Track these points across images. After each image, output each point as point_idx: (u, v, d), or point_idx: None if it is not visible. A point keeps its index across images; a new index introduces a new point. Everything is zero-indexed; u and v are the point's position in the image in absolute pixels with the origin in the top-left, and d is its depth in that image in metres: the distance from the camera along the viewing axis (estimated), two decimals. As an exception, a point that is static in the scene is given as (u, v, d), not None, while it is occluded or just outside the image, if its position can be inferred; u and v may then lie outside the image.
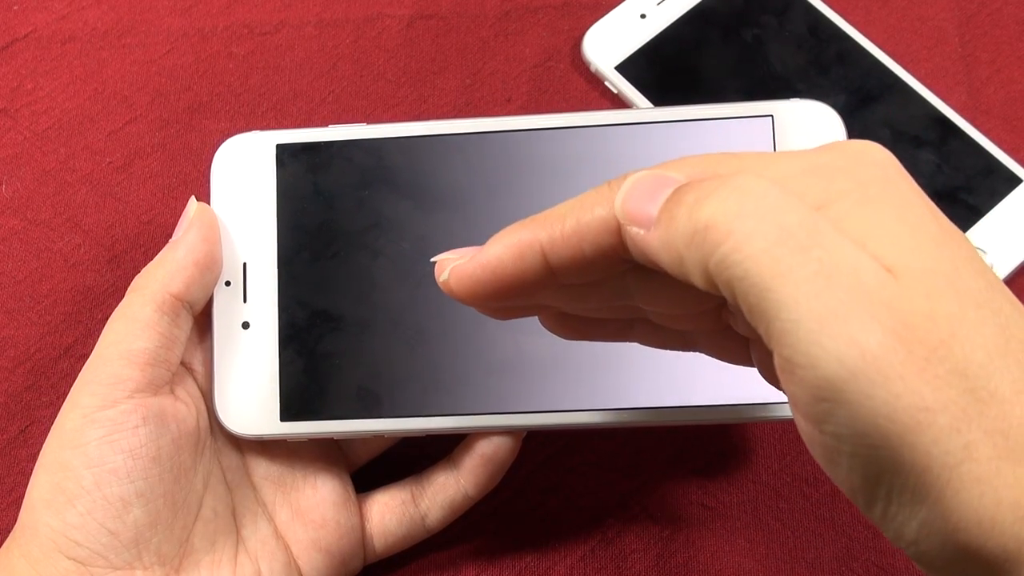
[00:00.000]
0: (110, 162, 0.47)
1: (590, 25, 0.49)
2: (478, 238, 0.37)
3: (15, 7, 0.50)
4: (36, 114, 0.48)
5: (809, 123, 0.37)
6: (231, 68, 0.49)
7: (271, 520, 0.39)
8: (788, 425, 0.43)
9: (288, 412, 0.38)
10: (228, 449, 0.39)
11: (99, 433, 0.34)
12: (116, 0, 0.50)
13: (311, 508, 0.39)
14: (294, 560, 0.38)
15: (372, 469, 0.41)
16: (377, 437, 0.39)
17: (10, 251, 0.46)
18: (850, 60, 0.48)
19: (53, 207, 0.46)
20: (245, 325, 0.38)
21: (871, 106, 0.47)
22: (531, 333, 0.37)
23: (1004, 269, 0.45)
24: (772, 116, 0.38)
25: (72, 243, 0.46)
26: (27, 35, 0.49)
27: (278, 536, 0.38)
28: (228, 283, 0.38)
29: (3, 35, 0.49)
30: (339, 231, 0.38)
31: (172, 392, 0.37)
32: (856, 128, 0.46)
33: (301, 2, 0.50)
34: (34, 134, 0.48)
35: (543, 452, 0.43)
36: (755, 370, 0.36)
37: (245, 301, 0.38)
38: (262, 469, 0.39)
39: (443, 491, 0.39)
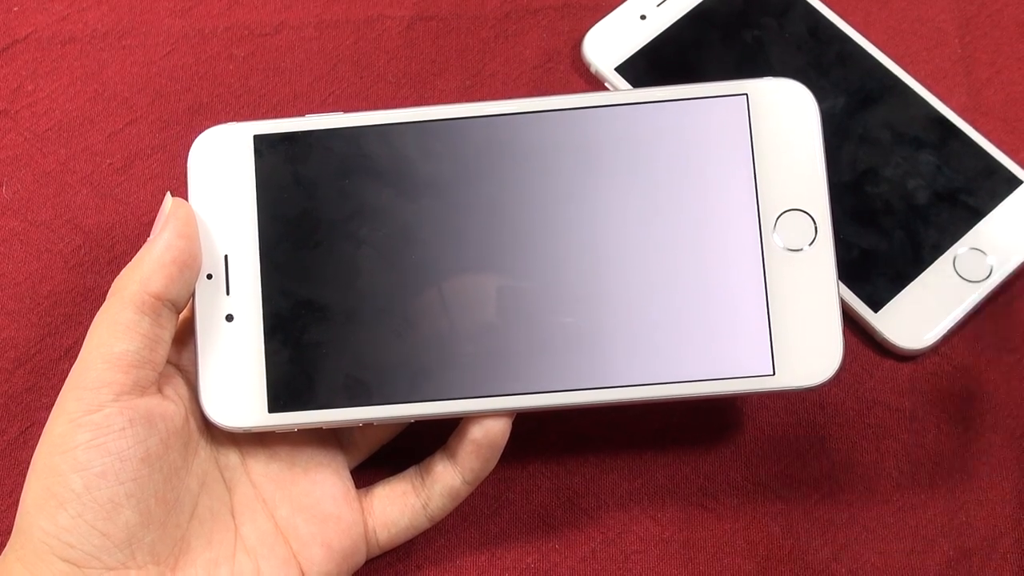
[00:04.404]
0: (110, 163, 0.47)
1: (590, 26, 0.49)
2: (460, 224, 0.38)
3: (15, 8, 0.50)
4: (36, 115, 0.48)
5: (783, 101, 0.38)
6: (231, 69, 0.49)
7: (271, 517, 0.39)
8: (789, 428, 0.44)
9: (276, 403, 0.38)
10: (225, 448, 0.39)
11: (86, 437, 0.35)
12: (116, 1, 0.50)
13: (311, 505, 0.39)
14: (294, 556, 0.38)
15: (371, 464, 0.42)
16: (368, 425, 0.39)
17: (10, 252, 0.46)
18: (850, 61, 0.48)
19: (53, 208, 0.46)
20: (229, 318, 0.38)
21: (871, 107, 0.47)
22: (516, 316, 0.38)
23: (1004, 271, 0.45)
24: (747, 95, 0.38)
25: (72, 244, 0.46)
26: (27, 36, 0.49)
27: (278, 533, 0.38)
28: (210, 276, 0.38)
29: (3, 36, 0.49)
30: (320, 220, 0.38)
31: (160, 392, 0.37)
32: (857, 130, 0.47)
33: (301, 4, 0.50)
34: (34, 135, 0.48)
35: (545, 454, 0.43)
36: (736, 341, 0.37)
37: (228, 294, 0.38)
38: (261, 467, 0.39)
39: (441, 480, 0.39)
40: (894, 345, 0.44)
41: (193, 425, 0.38)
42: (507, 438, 0.38)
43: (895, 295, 0.44)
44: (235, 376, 0.38)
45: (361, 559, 0.40)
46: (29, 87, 0.48)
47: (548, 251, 0.38)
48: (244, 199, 0.39)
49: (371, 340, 0.38)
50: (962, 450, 0.43)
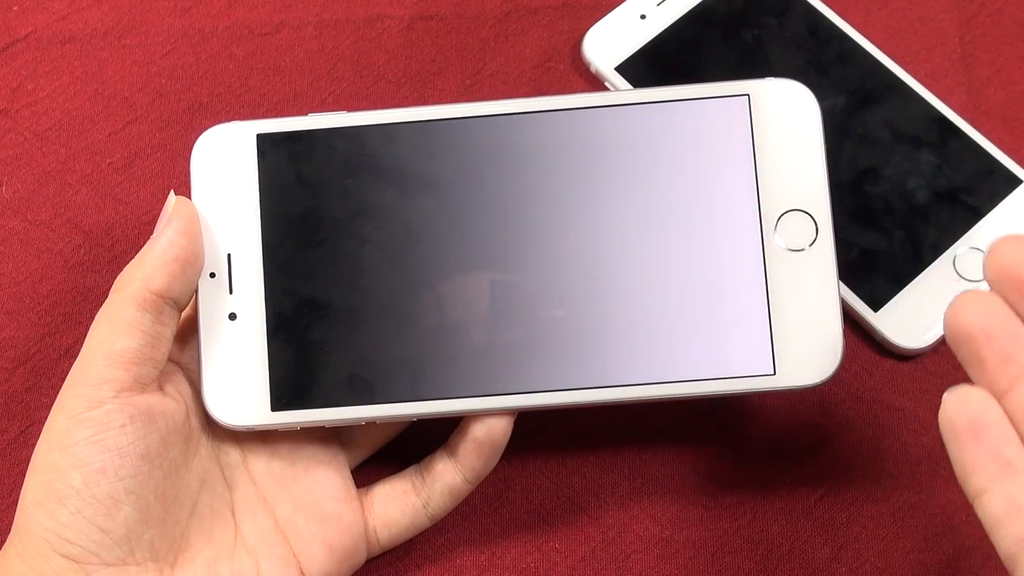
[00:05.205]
0: (110, 163, 0.47)
1: (590, 26, 0.49)
2: (462, 223, 0.38)
3: (15, 8, 0.50)
4: (36, 115, 0.48)
5: (785, 102, 0.39)
6: (231, 69, 0.49)
7: (271, 516, 0.39)
8: (788, 428, 0.44)
9: (279, 401, 0.38)
10: (226, 446, 0.39)
11: (86, 434, 0.35)
12: (116, 1, 0.50)
13: (312, 503, 0.39)
14: (294, 555, 0.38)
15: (372, 463, 0.42)
16: (370, 424, 0.39)
17: (10, 252, 0.46)
18: (850, 61, 0.48)
19: (53, 208, 0.46)
20: (232, 316, 0.38)
21: (871, 107, 0.47)
22: (519, 316, 0.38)
23: (1004, 270, 0.45)
24: (748, 95, 0.39)
25: (72, 244, 0.46)
26: (27, 36, 0.49)
27: (278, 531, 0.38)
28: (213, 275, 0.38)
29: (3, 36, 0.49)
30: (323, 219, 0.39)
31: (161, 389, 0.37)
32: (856, 129, 0.47)
33: (301, 3, 0.50)
34: (34, 135, 0.48)
35: (545, 453, 0.43)
36: (737, 341, 0.37)
37: (231, 292, 0.38)
38: (262, 465, 0.39)
39: (442, 478, 0.39)
40: (894, 345, 0.44)
41: (194, 422, 0.38)
42: (509, 437, 0.38)
43: (895, 295, 0.44)
44: (238, 375, 0.38)
45: (361, 558, 0.40)
46: (29, 87, 0.48)
47: (550, 251, 0.38)
48: (247, 198, 0.39)
49: (374, 339, 0.38)
50: (962, 450, 0.43)
